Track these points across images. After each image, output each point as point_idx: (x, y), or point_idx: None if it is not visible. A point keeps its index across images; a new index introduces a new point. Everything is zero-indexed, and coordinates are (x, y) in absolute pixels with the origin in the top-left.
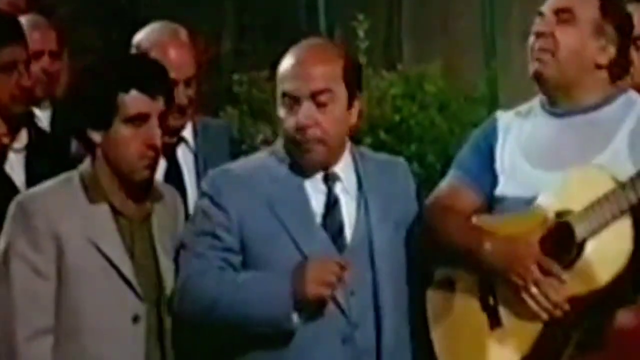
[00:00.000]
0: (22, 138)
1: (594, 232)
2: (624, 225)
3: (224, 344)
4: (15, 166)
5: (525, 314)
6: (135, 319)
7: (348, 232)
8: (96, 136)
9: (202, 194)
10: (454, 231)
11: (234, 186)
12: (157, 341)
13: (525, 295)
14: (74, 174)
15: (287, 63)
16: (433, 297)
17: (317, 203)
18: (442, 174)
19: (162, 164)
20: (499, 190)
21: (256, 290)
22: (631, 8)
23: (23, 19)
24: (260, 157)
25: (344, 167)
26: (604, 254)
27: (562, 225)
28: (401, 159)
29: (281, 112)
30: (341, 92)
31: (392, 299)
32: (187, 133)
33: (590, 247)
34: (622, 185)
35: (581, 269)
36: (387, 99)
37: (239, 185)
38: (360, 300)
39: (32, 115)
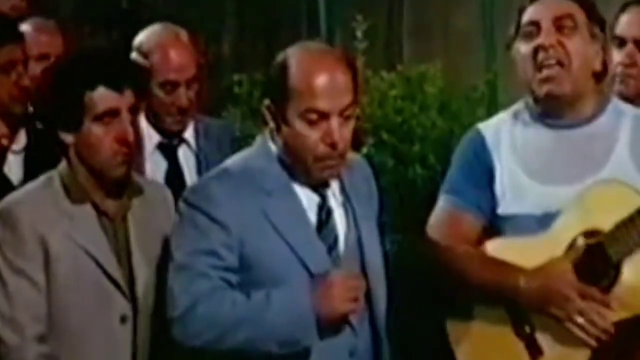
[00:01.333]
0: (21, 139)
1: (629, 252)
2: None
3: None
4: (13, 167)
5: (571, 342)
6: (123, 319)
7: (341, 241)
8: (68, 137)
9: (191, 205)
10: (474, 268)
11: (229, 199)
12: (142, 339)
13: (569, 325)
14: (53, 175)
15: (309, 77)
16: (453, 324)
17: (311, 212)
18: (443, 174)
19: (163, 165)
20: (506, 209)
21: (277, 310)
22: (634, 10)
23: (31, 21)
24: (247, 159)
25: None
26: None
27: (594, 248)
28: (360, 157)
29: (298, 126)
30: (354, 104)
31: (383, 305)
32: (189, 134)
33: (627, 268)
34: None
35: (622, 292)
36: (389, 100)
37: (233, 197)
38: (359, 310)
39: (31, 116)
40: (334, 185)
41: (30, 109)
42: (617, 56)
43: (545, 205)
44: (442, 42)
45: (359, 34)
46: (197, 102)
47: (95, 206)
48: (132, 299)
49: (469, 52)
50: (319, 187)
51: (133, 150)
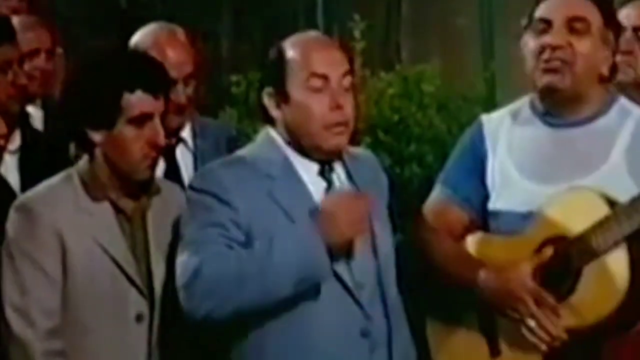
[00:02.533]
0: (16, 139)
1: (589, 261)
2: (620, 255)
3: (238, 337)
4: (9, 167)
5: (525, 345)
6: (139, 318)
7: None
8: (96, 136)
9: (199, 190)
10: (448, 259)
11: (237, 181)
12: (158, 338)
13: (522, 328)
14: (72, 172)
15: (307, 47)
16: (434, 322)
17: (318, 197)
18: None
19: (160, 165)
20: (492, 205)
21: (284, 250)
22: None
23: (16, 20)
24: (251, 149)
25: (335, 162)
26: (601, 285)
27: (558, 253)
28: (370, 152)
29: (302, 98)
30: None
31: (393, 286)
32: (186, 133)
33: (586, 276)
34: (615, 213)
35: (576, 300)
36: (385, 99)
37: (240, 181)
38: (369, 292)
39: (26, 116)
40: (340, 172)
41: (27, 108)
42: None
43: (530, 203)
44: (439, 42)
45: (356, 33)
46: (195, 101)
47: (114, 204)
48: (150, 297)
49: (467, 52)
50: (325, 171)
51: (160, 155)
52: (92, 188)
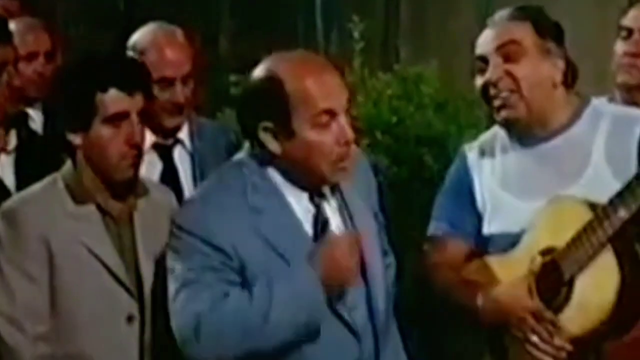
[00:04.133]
0: (12, 140)
1: (580, 268)
2: (607, 256)
3: None
4: (5, 168)
5: None
6: (130, 319)
7: None
8: (76, 138)
9: (186, 231)
10: (449, 289)
11: (221, 223)
12: (149, 339)
13: (527, 345)
14: (57, 177)
15: (310, 81)
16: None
17: (306, 223)
18: (439, 174)
19: (158, 166)
20: (487, 230)
21: (284, 299)
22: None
23: (17, 21)
24: (236, 175)
25: None
26: (594, 290)
27: (549, 266)
28: (357, 151)
29: (311, 135)
30: None
31: (383, 302)
32: (184, 134)
33: (579, 284)
34: (597, 216)
35: (575, 308)
36: (384, 100)
37: (225, 220)
38: (360, 314)
39: (25, 116)
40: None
41: (28, 110)
42: (622, 47)
43: (522, 221)
44: (438, 43)
45: (355, 34)
46: (193, 101)
47: (99, 207)
48: (140, 298)
49: (466, 53)
50: (315, 197)
51: (141, 154)
52: (76, 192)
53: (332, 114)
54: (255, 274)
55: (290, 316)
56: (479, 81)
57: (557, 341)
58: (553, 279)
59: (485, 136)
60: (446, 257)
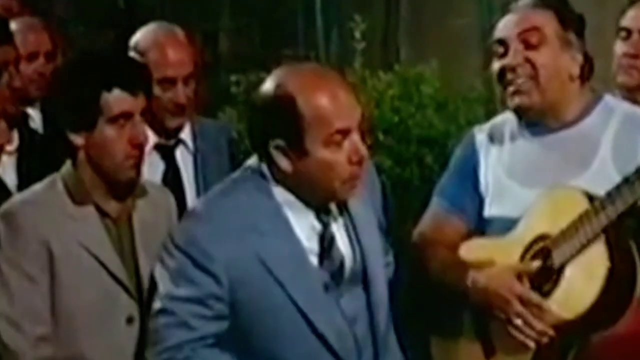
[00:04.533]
0: (14, 140)
1: (571, 257)
2: (599, 247)
3: None
4: (6, 168)
5: (516, 343)
6: (130, 320)
7: (347, 263)
8: (78, 139)
9: (178, 247)
10: (440, 267)
11: (218, 245)
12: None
13: (510, 327)
14: (56, 178)
15: (324, 101)
16: (430, 325)
17: (311, 243)
18: (440, 174)
19: (160, 166)
20: (487, 212)
21: None
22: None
23: (17, 21)
24: (239, 193)
25: None
26: (582, 279)
27: (542, 252)
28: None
29: (325, 155)
30: None
31: (383, 311)
32: (186, 134)
33: (568, 272)
34: (594, 207)
35: (562, 295)
36: (385, 100)
37: (223, 242)
38: (361, 326)
39: (25, 116)
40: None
41: (28, 110)
42: (621, 47)
43: (522, 208)
44: (439, 42)
45: (356, 34)
46: (195, 101)
47: (99, 208)
48: (139, 299)
49: (467, 52)
50: (322, 214)
51: (143, 155)
52: (76, 193)
53: (345, 132)
54: (248, 297)
55: None
56: (497, 65)
57: (540, 326)
58: (544, 265)
59: (495, 120)
60: (443, 235)
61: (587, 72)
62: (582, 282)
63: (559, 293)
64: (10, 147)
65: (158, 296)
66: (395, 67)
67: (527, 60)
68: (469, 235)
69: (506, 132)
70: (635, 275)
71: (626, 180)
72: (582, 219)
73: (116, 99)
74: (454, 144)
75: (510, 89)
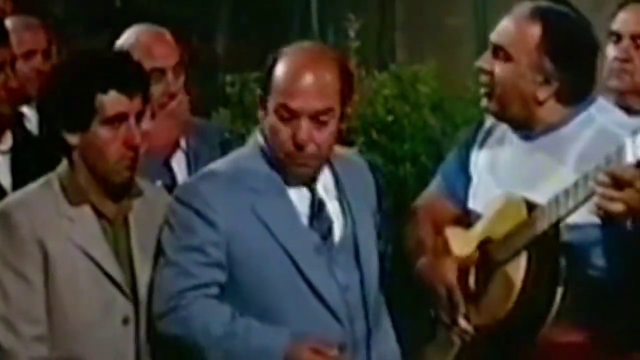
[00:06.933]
0: (8, 140)
1: (502, 264)
2: (521, 261)
3: None
4: (1, 168)
5: (447, 336)
6: (125, 321)
7: (336, 230)
8: (73, 138)
9: (181, 202)
10: (411, 242)
11: (219, 196)
12: (145, 340)
13: (441, 317)
14: (51, 178)
15: (288, 74)
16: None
17: (302, 206)
18: (434, 173)
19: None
20: (469, 203)
21: (249, 352)
22: (635, 8)
23: (13, 20)
24: (238, 159)
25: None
26: (502, 287)
27: (484, 254)
28: (357, 153)
29: (272, 119)
30: (338, 108)
31: (374, 291)
32: None
33: (496, 278)
34: (530, 218)
35: (486, 299)
36: (380, 99)
37: (224, 194)
38: (353, 295)
39: (20, 116)
40: (328, 180)
41: (22, 109)
42: (612, 52)
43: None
44: (434, 42)
45: (351, 33)
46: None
47: (95, 208)
48: (135, 300)
49: (462, 52)
50: (308, 184)
51: (138, 156)
52: (71, 193)
53: (292, 113)
54: (244, 249)
55: None
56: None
57: (463, 323)
58: (484, 268)
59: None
60: (433, 216)
61: (575, 94)
62: (501, 290)
63: (485, 297)
64: (4, 147)
65: (162, 252)
66: (391, 67)
67: (491, 71)
68: (458, 218)
69: (502, 131)
70: (554, 288)
71: (565, 192)
72: (520, 226)
73: (111, 100)
74: (449, 143)
75: (480, 91)
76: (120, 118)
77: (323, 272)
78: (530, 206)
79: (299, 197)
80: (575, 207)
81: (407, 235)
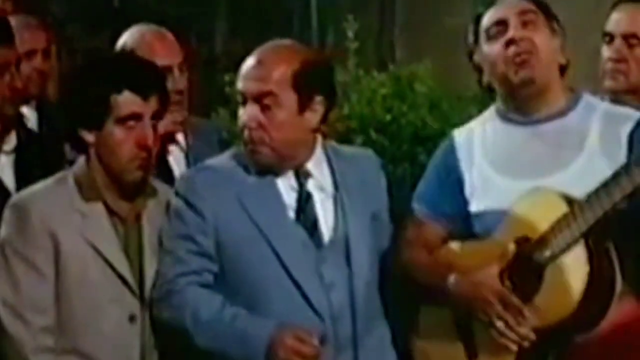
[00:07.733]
0: (11, 140)
1: (551, 260)
2: (578, 251)
3: None
4: (4, 168)
5: (498, 345)
6: (132, 319)
7: (325, 229)
8: (89, 136)
9: (176, 193)
10: (421, 267)
11: (209, 187)
12: (150, 339)
13: (492, 330)
14: (67, 174)
15: (245, 62)
16: (419, 324)
17: (290, 199)
18: None
19: None
20: (476, 207)
21: (233, 341)
22: (627, 7)
23: (13, 20)
24: (235, 154)
25: (316, 164)
26: (563, 283)
27: (522, 255)
28: (370, 152)
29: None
30: (288, 96)
31: (366, 293)
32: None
33: (549, 276)
34: (573, 211)
35: (542, 299)
36: (378, 99)
37: (214, 186)
38: (338, 295)
39: (21, 116)
40: (323, 175)
41: (22, 109)
42: (606, 52)
43: (507, 198)
44: (433, 42)
45: (350, 33)
46: (189, 100)
47: (107, 206)
48: (142, 298)
49: (460, 51)
50: (299, 176)
51: (152, 156)
52: (86, 189)
53: (243, 97)
54: (231, 240)
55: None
56: (496, 44)
57: (522, 329)
58: (524, 269)
59: (474, 122)
60: (421, 238)
61: (565, 66)
62: (562, 286)
63: (540, 297)
64: (7, 147)
65: (161, 251)
66: (390, 67)
67: (527, 37)
68: (449, 237)
69: (488, 128)
70: (614, 277)
71: (604, 185)
72: (561, 223)
73: (125, 100)
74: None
75: (517, 59)
76: (134, 118)
77: (308, 268)
78: (569, 201)
79: (286, 189)
80: (622, 199)
81: (409, 264)
